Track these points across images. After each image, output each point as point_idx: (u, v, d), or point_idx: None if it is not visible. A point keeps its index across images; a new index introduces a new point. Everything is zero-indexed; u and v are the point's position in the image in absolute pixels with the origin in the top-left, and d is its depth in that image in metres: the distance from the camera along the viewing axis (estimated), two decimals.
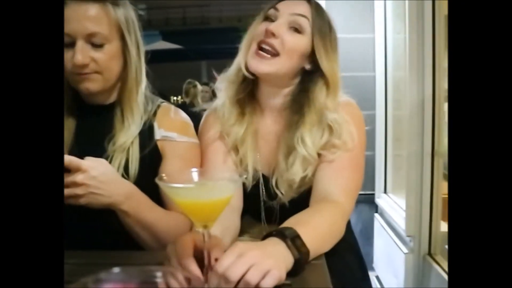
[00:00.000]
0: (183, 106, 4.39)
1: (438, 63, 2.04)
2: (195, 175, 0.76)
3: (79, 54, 0.96)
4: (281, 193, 1.08)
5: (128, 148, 1.04)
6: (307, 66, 1.08)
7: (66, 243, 0.60)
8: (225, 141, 1.11)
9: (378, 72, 2.83)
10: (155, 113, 1.10)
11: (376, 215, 2.85)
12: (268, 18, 1.07)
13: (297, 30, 1.05)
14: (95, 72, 1.00)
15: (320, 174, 1.04)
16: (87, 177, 0.88)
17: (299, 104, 1.08)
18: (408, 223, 2.15)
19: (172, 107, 1.14)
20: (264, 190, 1.12)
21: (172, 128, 1.09)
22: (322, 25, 1.07)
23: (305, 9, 1.06)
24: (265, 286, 0.66)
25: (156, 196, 1.03)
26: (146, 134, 1.07)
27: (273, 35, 1.02)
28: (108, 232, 0.99)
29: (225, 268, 0.66)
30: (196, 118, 1.22)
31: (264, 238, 0.79)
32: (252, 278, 0.66)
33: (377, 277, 2.73)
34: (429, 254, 2.12)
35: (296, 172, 1.04)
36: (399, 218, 2.37)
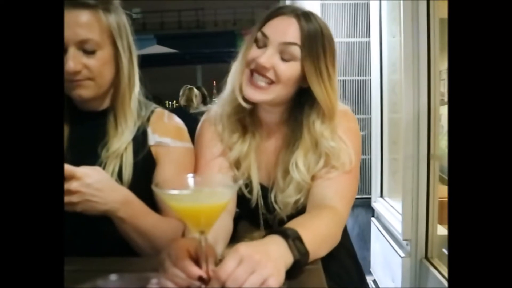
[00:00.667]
0: (178, 110, 4.40)
1: (433, 66, 2.04)
2: (191, 181, 0.75)
3: (71, 61, 0.95)
4: (279, 208, 1.08)
5: (122, 154, 1.03)
6: (305, 85, 1.04)
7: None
8: (223, 148, 1.10)
9: (373, 75, 2.84)
10: (148, 119, 1.09)
11: (373, 219, 2.86)
12: (257, 42, 1.01)
13: (289, 58, 1.00)
14: (88, 79, 0.99)
15: (317, 180, 1.04)
16: (82, 184, 0.88)
17: (296, 121, 1.06)
18: (404, 227, 2.15)
19: (166, 112, 1.13)
20: (262, 203, 1.12)
21: (166, 133, 1.08)
22: (314, 45, 0.99)
23: (294, 33, 0.98)
24: None
25: (151, 202, 1.02)
26: (140, 139, 1.06)
27: (265, 68, 0.98)
28: (104, 238, 0.98)
29: (227, 275, 0.65)
30: (193, 120, 1.21)
31: (265, 236, 0.79)
32: (253, 285, 0.65)
33: (374, 281, 2.73)
34: (426, 257, 2.12)
35: (291, 195, 1.05)
36: (396, 222, 2.37)
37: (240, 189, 1.08)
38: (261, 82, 0.99)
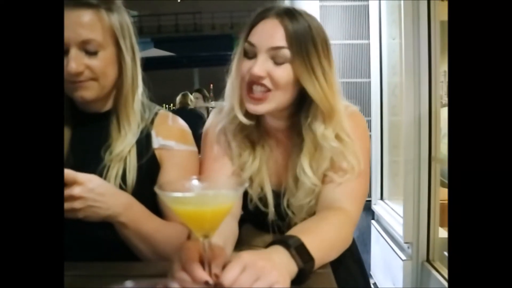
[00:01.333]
0: (180, 109, 4.43)
1: (434, 68, 2.04)
2: (195, 183, 0.74)
3: (73, 62, 0.93)
4: (293, 213, 1.06)
5: (126, 157, 1.01)
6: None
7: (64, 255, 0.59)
8: (233, 169, 1.07)
9: (373, 78, 2.83)
10: (152, 121, 1.07)
11: (373, 222, 2.85)
12: (246, 53, 0.98)
13: (282, 61, 0.96)
14: (90, 80, 0.97)
15: (327, 184, 1.02)
16: (85, 190, 0.85)
17: (299, 124, 1.04)
18: (406, 229, 2.15)
19: (170, 114, 1.11)
20: (274, 210, 1.08)
21: (170, 136, 1.07)
22: (303, 43, 0.94)
23: (280, 35, 0.94)
24: None
25: (154, 206, 1.01)
26: (144, 142, 1.05)
27: (260, 77, 0.95)
28: (107, 243, 0.97)
29: (232, 281, 0.64)
30: (196, 116, 1.19)
31: (267, 246, 0.78)
32: None
33: (375, 284, 2.72)
34: (427, 260, 2.12)
35: (302, 198, 1.03)
36: (397, 224, 2.37)
37: (254, 203, 1.07)
38: (260, 93, 0.96)
